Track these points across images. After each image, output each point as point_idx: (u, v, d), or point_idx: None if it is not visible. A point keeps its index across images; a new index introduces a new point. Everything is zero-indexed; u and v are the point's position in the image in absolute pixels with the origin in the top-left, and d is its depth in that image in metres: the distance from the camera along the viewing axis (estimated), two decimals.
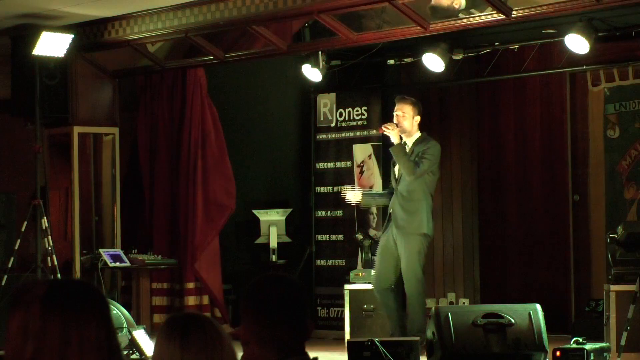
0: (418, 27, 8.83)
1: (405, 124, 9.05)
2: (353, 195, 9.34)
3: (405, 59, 11.09)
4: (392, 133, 9.00)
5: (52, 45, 9.76)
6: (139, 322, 9.55)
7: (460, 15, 8.84)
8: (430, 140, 9.09)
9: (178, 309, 10.73)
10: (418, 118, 9.08)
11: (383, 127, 9.09)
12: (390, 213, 9.07)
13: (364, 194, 9.41)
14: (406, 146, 9.07)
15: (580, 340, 7.95)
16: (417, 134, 9.11)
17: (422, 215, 8.96)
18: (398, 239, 8.97)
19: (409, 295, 8.99)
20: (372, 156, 11.24)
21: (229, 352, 2.76)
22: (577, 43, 9.13)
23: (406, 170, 8.95)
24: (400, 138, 9.05)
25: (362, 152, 11.23)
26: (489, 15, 8.47)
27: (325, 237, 11.43)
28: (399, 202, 9.00)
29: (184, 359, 2.72)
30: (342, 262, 11.26)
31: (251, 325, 3.24)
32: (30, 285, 2.39)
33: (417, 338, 8.25)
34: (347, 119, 11.35)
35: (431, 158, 8.96)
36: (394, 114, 9.14)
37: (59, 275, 9.68)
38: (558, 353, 7.80)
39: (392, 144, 9.08)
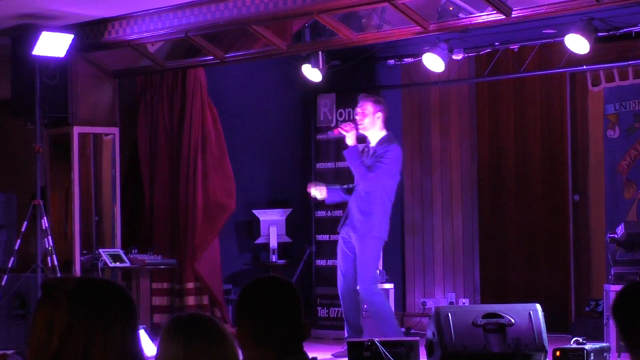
0: (418, 27, 8.83)
1: (365, 122, 9.04)
2: (317, 191, 9.30)
3: (405, 59, 11.10)
4: (348, 135, 8.99)
5: (52, 45, 9.76)
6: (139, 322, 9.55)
7: (460, 15, 8.84)
8: (392, 144, 9.04)
9: (178, 309, 10.73)
10: (380, 115, 9.05)
11: (339, 128, 9.08)
12: (347, 211, 9.08)
13: (328, 189, 9.39)
14: (369, 144, 9.06)
15: (580, 340, 7.96)
16: (382, 133, 9.08)
17: (377, 218, 8.95)
18: (353, 239, 9.01)
19: (364, 296, 9.03)
20: None
21: (232, 353, 2.76)
22: (577, 43, 9.13)
23: (358, 174, 8.97)
24: (361, 140, 9.08)
25: None
26: (489, 15, 8.47)
27: (325, 237, 11.43)
28: (356, 202, 9.02)
29: (187, 359, 2.72)
30: None
31: (246, 328, 3.25)
32: (59, 281, 2.39)
33: (417, 338, 8.26)
34: (347, 119, 11.34)
35: (388, 162, 8.93)
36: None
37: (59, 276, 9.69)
38: (558, 353, 7.81)
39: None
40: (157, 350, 2.81)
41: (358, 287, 9.11)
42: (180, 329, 2.78)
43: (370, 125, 9.03)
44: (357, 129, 9.08)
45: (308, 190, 9.37)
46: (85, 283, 2.40)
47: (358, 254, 8.99)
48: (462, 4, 8.86)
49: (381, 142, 9.03)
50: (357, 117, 9.16)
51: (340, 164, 11.33)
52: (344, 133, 9.04)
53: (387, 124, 9.24)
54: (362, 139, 9.21)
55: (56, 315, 2.34)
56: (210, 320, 2.79)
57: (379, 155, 8.95)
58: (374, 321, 9.09)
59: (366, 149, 9.12)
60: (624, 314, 3.19)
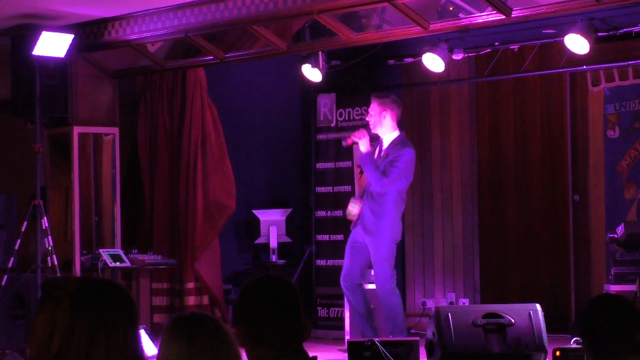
0: (418, 27, 8.83)
1: (372, 122, 9.00)
2: (355, 207, 9.20)
3: (405, 59, 11.10)
4: (360, 142, 8.94)
5: (52, 45, 9.76)
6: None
7: (460, 15, 8.84)
8: (405, 147, 8.94)
9: (178, 309, 10.73)
10: (386, 114, 8.97)
11: (352, 137, 9.00)
12: (360, 212, 9.04)
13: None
14: (382, 145, 9.02)
15: (580, 340, 7.95)
16: (395, 133, 9.01)
17: (389, 220, 8.87)
18: (366, 240, 8.94)
19: (381, 296, 8.98)
20: None
21: (235, 352, 2.77)
22: (577, 43, 9.13)
23: (373, 180, 8.89)
24: (374, 139, 9.04)
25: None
26: (489, 15, 8.47)
27: (325, 237, 11.43)
28: (368, 204, 8.94)
29: (191, 358, 2.72)
30: (342, 262, 11.25)
31: (245, 327, 3.26)
32: (60, 281, 2.39)
33: (417, 338, 8.25)
34: (347, 119, 11.36)
35: (402, 167, 8.85)
36: None
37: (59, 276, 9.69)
38: (558, 353, 7.81)
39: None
40: (159, 350, 2.81)
41: (375, 287, 9.07)
42: (183, 328, 2.78)
43: (378, 125, 8.99)
44: (369, 132, 9.03)
45: (349, 215, 9.22)
46: (86, 283, 2.41)
47: (372, 256, 8.92)
48: (462, 4, 8.86)
49: (394, 144, 8.95)
50: (367, 119, 9.18)
51: (340, 164, 11.34)
52: (356, 140, 8.98)
53: (400, 123, 9.17)
54: (374, 138, 9.16)
55: (58, 315, 2.34)
56: (214, 320, 2.79)
57: (392, 159, 8.87)
58: (384, 320, 9.06)
59: (378, 149, 9.07)
60: (590, 325, 3.38)
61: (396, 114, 9.02)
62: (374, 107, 9.04)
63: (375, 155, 9.00)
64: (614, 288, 8.77)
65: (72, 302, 2.35)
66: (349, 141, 9.12)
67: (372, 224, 8.90)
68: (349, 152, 11.24)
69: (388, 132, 9.00)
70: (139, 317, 2.45)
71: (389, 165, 8.85)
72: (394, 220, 8.91)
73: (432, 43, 9.86)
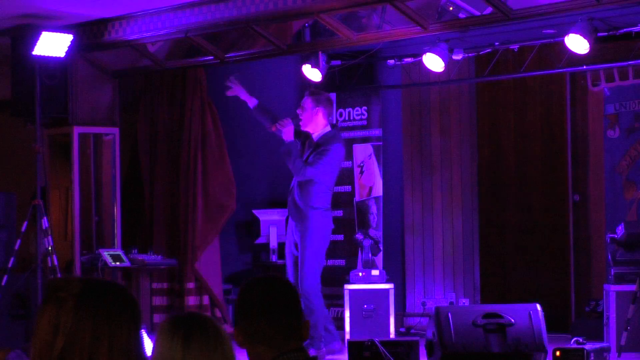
0: (418, 27, 8.83)
1: (303, 118, 8.98)
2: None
3: (405, 59, 11.09)
4: (283, 130, 8.90)
5: (52, 45, 9.76)
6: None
7: (460, 15, 8.84)
8: (336, 141, 8.92)
9: (178, 309, 10.73)
10: (319, 110, 8.94)
11: (277, 125, 8.96)
12: (289, 202, 9.00)
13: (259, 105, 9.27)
14: (312, 140, 8.98)
15: (580, 340, 7.97)
16: (326, 129, 9.00)
17: (318, 210, 8.82)
18: (296, 234, 8.87)
19: (307, 294, 8.74)
20: (372, 156, 11.24)
21: (230, 353, 2.77)
22: (577, 43, 9.13)
23: (294, 171, 8.88)
24: (304, 142, 9.00)
25: (362, 152, 11.23)
26: (489, 16, 8.47)
27: None
28: (296, 194, 8.91)
29: (186, 358, 2.73)
30: (342, 262, 11.26)
31: (245, 326, 3.27)
32: (65, 282, 2.40)
33: (417, 338, 8.25)
34: (347, 119, 11.35)
35: (328, 159, 8.81)
36: None
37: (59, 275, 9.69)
38: (558, 353, 7.81)
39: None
40: (154, 349, 2.81)
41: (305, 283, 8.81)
42: (178, 328, 2.78)
43: (309, 121, 8.99)
44: (300, 125, 9.04)
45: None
46: (91, 285, 2.41)
47: (300, 248, 8.83)
48: (462, 4, 8.86)
49: (325, 137, 8.93)
50: (298, 111, 9.12)
51: (341, 164, 11.31)
52: (281, 129, 8.99)
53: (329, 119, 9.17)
54: (301, 133, 9.14)
55: (62, 316, 2.35)
56: (209, 320, 2.80)
57: (321, 150, 8.87)
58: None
59: (307, 144, 9.04)
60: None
61: (328, 112, 9.04)
62: (307, 102, 9.02)
63: (304, 150, 8.97)
64: (614, 288, 8.77)
65: (77, 303, 2.35)
66: (273, 128, 9.09)
67: (299, 215, 8.83)
68: (348, 152, 11.24)
69: (319, 128, 8.98)
70: (141, 318, 2.45)
71: (317, 154, 8.83)
72: (323, 212, 8.86)
73: (432, 43, 9.86)
